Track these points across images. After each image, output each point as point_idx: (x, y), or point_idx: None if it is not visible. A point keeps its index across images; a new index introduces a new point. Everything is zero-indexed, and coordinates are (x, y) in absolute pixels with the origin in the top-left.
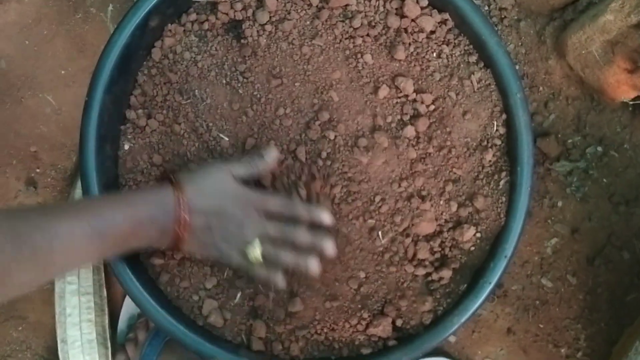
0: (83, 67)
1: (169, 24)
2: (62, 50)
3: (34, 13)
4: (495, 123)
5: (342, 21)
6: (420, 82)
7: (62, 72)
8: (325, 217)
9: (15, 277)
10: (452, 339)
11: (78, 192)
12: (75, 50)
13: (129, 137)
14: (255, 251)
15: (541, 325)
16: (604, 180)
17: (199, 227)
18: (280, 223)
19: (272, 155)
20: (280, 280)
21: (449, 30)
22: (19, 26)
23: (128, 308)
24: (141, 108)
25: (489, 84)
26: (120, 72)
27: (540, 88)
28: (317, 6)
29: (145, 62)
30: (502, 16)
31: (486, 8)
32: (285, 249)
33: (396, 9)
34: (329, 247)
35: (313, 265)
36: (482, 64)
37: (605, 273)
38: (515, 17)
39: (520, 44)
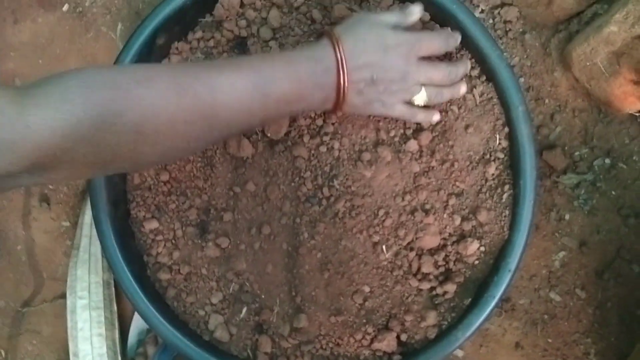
0: None
1: (176, 42)
2: (74, 68)
3: (48, 33)
4: (497, 136)
5: None
6: None
7: None
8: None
9: (182, 128)
10: (460, 353)
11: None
12: None
13: None
14: (423, 97)
15: (550, 340)
16: (613, 192)
17: (363, 82)
18: (442, 66)
19: (417, 10)
20: (437, 116)
21: None
22: (33, 46)
23: (138, 323)
24: None
25: (491, 98)
26: None
27: (546, 100)
28: (320, 22)
29: None
30: (507, 29)
31: (491, 21)
32: (444, 83)
33: None
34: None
35: (464, 88)
36: (484, 78)
37: (614, 287)
38: (520, 30)
39: (525, 56)
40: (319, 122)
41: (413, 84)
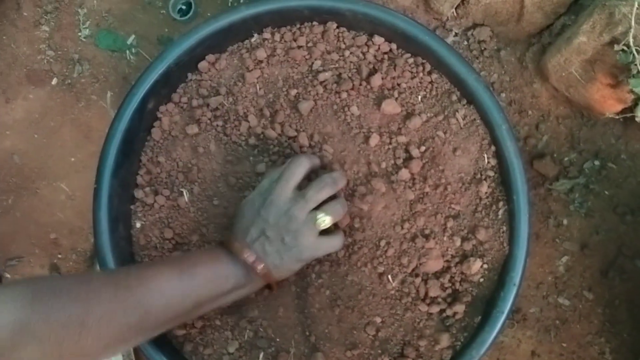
0: (91, 152)
1: (165, 104)
2: (69, 138)
3: (40, 107)
4: (485, 156)
5: (323, 84)
6: (408, 126)
7: (72, 159)
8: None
9: (120, 316)
10: None
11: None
12: (82, 136)
13: (140, 215)
14: (324, 219)
15: (564, 344)
16: (606, 192)
17: (260, 244)
18: (319, 182)
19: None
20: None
21: (429, 72)
22: (27, 122)
23: None
24: (148, 186)
25: (474, 119)
26: (124, 155)
27: (530, 112)
28: (302, 73)
29: (147, 143)
30: (482, 48)
31: (465, 43)
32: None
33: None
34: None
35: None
36: (464, 101)
37: (620, 284)
38: (495, 47)
39: (503, 72)
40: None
41: (304, 216)
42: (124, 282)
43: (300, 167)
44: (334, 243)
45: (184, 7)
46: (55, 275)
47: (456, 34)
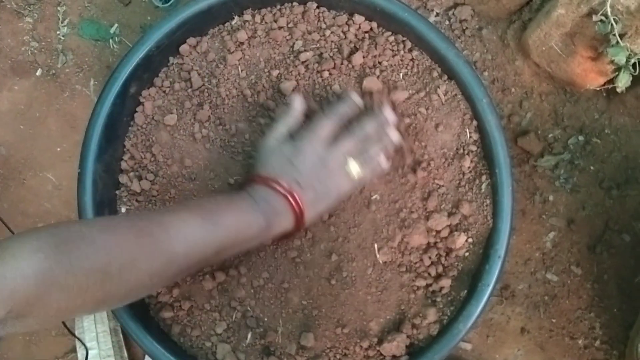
0: (77, 142)
1: (147, 88)
2: (55, 128)
3: (25, 98)
4: (467, 130)
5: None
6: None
7: (58, 149)
8: (357, 98)
9: (143, 265)
10: (468, 346)
11: None
12: (67, 126)
13: (125, 200)
14: (355, 167)
15: (554, 320)
16: (591, 167)
17: (311, 200)
18: (356, 130)
19: (298, 102)
20: (384, 162)
21: (409, 50)
22: (13, 113)
23: None
24: (132, 171)
25: (456, 95)
26: (107, 140)
27: (513, 89)
28: (283, 53)
29: (130, 128)
30: (464, 27)
31: (447, 22)
32: (369, 144)
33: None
34: (394, 134)
35: (396, 136)
36: (445, 77)
37: (608, 259)
38: (477, 26)
39: (485, 50)
40: None
41: (337, 165)
42: (147, 229)
43: (329, 122)
44: (365, 179)
45: None
46: (77, 221)
47: (437, 14)
